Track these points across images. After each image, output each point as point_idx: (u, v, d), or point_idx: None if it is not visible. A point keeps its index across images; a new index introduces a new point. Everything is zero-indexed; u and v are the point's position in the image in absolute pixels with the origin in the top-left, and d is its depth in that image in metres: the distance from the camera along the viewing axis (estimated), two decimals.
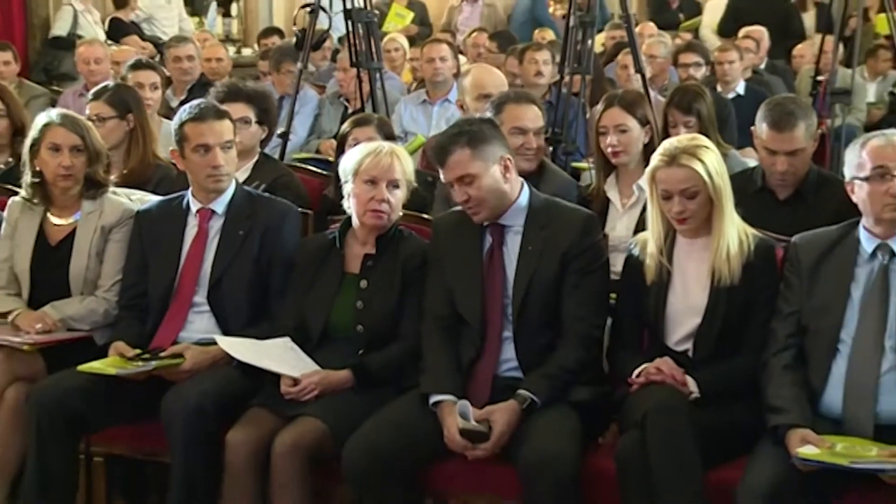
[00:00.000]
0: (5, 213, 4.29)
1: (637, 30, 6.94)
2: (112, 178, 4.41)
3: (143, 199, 4.34)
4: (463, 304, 3.72)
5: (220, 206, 4.08)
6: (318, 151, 6.93)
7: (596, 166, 4.61)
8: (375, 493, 3.50)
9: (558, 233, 3.68)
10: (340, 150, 4.60)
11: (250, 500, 3.65)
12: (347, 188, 3.90)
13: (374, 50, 6.29)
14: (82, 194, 4.21)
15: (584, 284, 3.65)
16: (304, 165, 5.69)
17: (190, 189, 4.12)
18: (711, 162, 3.51)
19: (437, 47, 7.10)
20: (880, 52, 8.72)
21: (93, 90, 5.12)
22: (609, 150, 4.47)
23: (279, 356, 3.81)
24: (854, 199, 3.44)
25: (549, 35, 9.33)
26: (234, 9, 11.57)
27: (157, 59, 8.13)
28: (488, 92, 5.12)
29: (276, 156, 5.72)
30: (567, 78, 5.88)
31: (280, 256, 4.04)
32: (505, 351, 3.68)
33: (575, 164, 5.77)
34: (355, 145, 4.17)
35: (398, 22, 10.88)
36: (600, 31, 8.45)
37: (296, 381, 3.71)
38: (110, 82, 5.33)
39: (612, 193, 4.51)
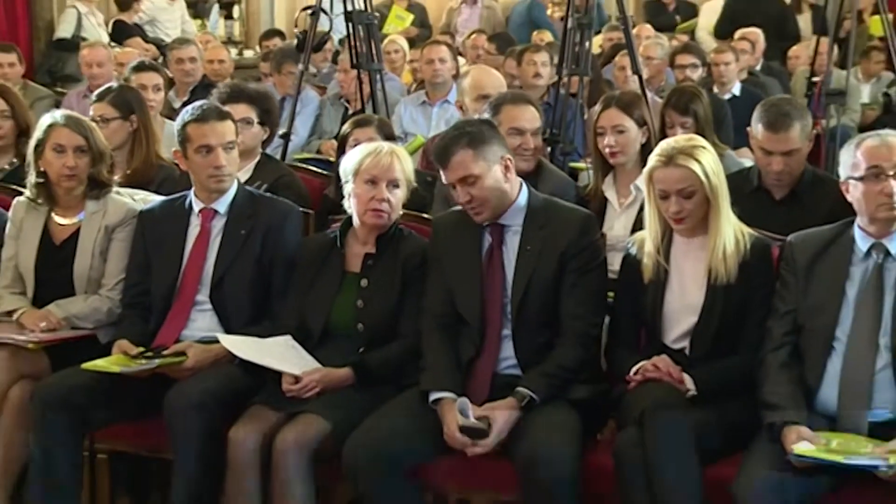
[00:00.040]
0: (10, 213, 4.28)
1: (634, 32, 6.92)
2: (115, 178, 4.41)
3: (147, 199, 4.34)
4: (462, 303, 3.72)
5: (222, 205, 4.08)
6: (319, 152, 6.92)
7: (594, 166, 4.62)
8: (376, 489, 3.50)
9: (557, 232, 3.68)
10: (341, 151, 4.60)
11: (252, 497, 3.65)
12: (348, 188, 3.89)
13: (374, 51, 6.29)
14: (86, 194, 4.21)
15: (582, 283, 3.65)
16: (305, 166, 5.68)
17: (192, 189, 4.12)
18: (708, 162, 3.51)
19: (437, 49, 7.11)
20: (873, 54, 8.71)
21: (96, 92, 5.12)
22: (607, 150, 4.47)
23: (281, 354, 3.81)
24: (849, 198, 3.44)
25: (547, 37, 9.34)
26: (236, 11, 11.57)
27: (160, 60, 8.14)
28: (487, 93, 5.12)
29: (278, 156, 5.71)
30: (565, 79, 5.88)
31: (281, 256, 4.04)
32: (504, 349, 3.68)
33: (573, 165, 5.77)
34: (356, 146, 4.16)
35: (398, 24, 10.88)
36: (598, 32, 8.44)
37: (297, 379, 3.71)
38: (114, 84, 5.33)
39: (610, 193, 4.52)
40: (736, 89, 7.49)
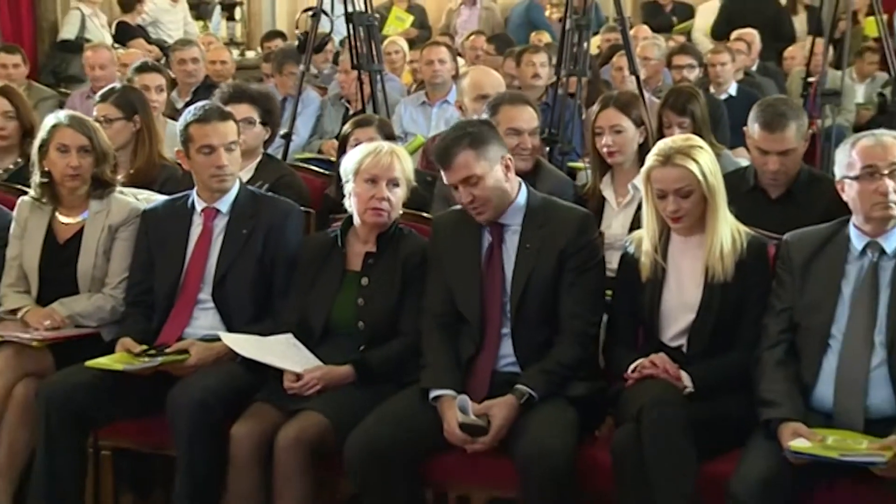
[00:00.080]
0: (15, 213, 4.28)
1: (631, 33, 6.93)
2: (119, 177, 4.41)
3: (150, 199, 4.34)
4: (462, 302, 3.71)
5: (224, 205, 4.08)
6: (320, 151, 6.92)
7: (592, 166, 4.62)
8: (376, 485, 3.50)
9: (555, 231, 3.67)
10: (342, 151, 4.60)
11: (254, 493, 3.65)
12: (348, 187, 3.89)
13: (374, 52, 6.29)
14: (90, 194, 4.21)
15: (581, 282, 3.65)
16: (306, 165, 5.68)
17: (195, 188, 4.12)
18: (705, 162, 3.51)
19: (436, 50, 7.10)
20: (866, 55, 8.71)
21: (100, 92, 5.11)
22: (604, 150, 4.47)
23: (282, 352, 3.81)
24: (844, 197, 3.44)
25: (546, 38, 9.34)
26: (237, 12, 11.55)
27: (163, 61, 8.14)
28: (486, 93, 5.11)
29: (279, 156, 5.71)
30: (564, 80, 5.88)
31: (283, 254, 4.03)
32: (503, 347, 3.68)
33: (571, 164, 5.77)
34: (357, 145, 4.16)
35: (398, 25, 10.87)
36: (596, 33, 8.44)
37: (298, 377, 3.71)
38: (117, 84, 5.32)
39: (608, 192, 4.51)
40: (732, 89, 7.48)
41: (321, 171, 5.40)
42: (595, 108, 4.60)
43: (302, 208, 4.26)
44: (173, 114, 6.11)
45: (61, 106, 6.99)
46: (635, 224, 3.98)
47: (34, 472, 3.82)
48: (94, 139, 4.18)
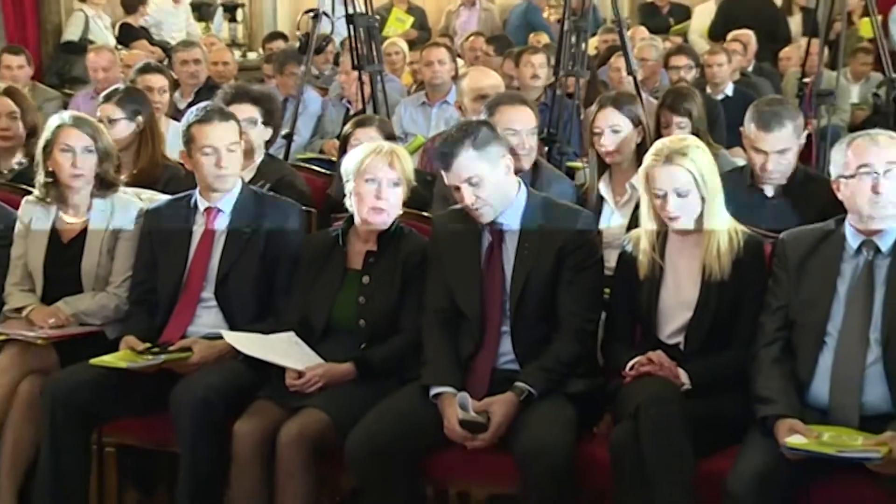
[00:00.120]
0: (19, 212, 4.28)
1: (629, 34, 6.94)
2: (122, 177, 4.40)
3: (153, 199, 4.34)
4: (462, 300, 3.71)
5: (226, 204, 4.08)
6: (321, 151, 6.92)
7: (590, 165, 4.61)
8: (377, 481, 3.49)
9: (554, 230, 3.67)
10: (343, 151, 4.59)
11: (256, 489, 3.65)
12: (349, 187, 3.89)
13: (375, 53, 6.28)
14: (93, 193, 4.20)
15: (579, 280, 3.65)
16: (307, 165, 5.67)
17: (197, 188, 4.12)
18: (703, 161, 3.51)
19: (436, 51, 7.09)
20: (859, 55, 8.71)
21: (103, 93, 5.10)
22: (603, 149, 4.46)
23: (284, 350, 3.80)
24: (840, 196, 3.43)
25: (544, 39, 9.34)
26: (239, 14, 11.55)
27: (166, 62, 8.12)
28: (485, 93, 5.10)
29: (281, 156, 5.71)
30: (562, 80, 5.88)
31: (285, 253, 4.03)
32: (503, 345, 3.67)
33: (570, 164, 5.77)
34: (357, 145, 4.16)
35: (398, 26, 10.87)
36: (593, 34, 8.43)
37: (300, 374, 3.71)
38: (120, 85, 5.32)
39: (606, 192, 4.51)
40: (728, 90, 7.48)
41: (322, 170, 5.39)
42: (593, 108, 4.60)
43: (303, 208, 4.26)
44: (176, 114, 6.11)
45: (65, 106, 6.99)
46: (633, 223, 3.97)
47: (39, 468, 3.82)
48: (97, 139, 4.18)
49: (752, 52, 8.88)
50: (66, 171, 4.14)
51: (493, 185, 3.65)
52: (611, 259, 3.83)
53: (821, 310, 3.40)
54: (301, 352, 3.81)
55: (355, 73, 6.47)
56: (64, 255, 4.18)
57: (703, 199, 3.51)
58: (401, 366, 3.79)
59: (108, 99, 4.95)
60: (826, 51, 7.09)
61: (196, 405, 3.67)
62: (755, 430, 3.32)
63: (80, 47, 9.15)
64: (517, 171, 3.90)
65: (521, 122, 4.46)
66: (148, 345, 3.90)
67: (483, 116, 4.41)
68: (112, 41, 9.52)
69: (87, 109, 5.57)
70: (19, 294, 4.18)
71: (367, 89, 6.31)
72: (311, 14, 6.40)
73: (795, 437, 3.17)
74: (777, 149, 4.17)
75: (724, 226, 3.53)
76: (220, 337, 3.88)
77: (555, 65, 6.18)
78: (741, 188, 4.24)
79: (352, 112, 6.91)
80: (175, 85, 7.01)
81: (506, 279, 3.68)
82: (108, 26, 9.97)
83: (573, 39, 5.83)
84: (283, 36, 10.13)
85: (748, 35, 8.89)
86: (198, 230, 4.09)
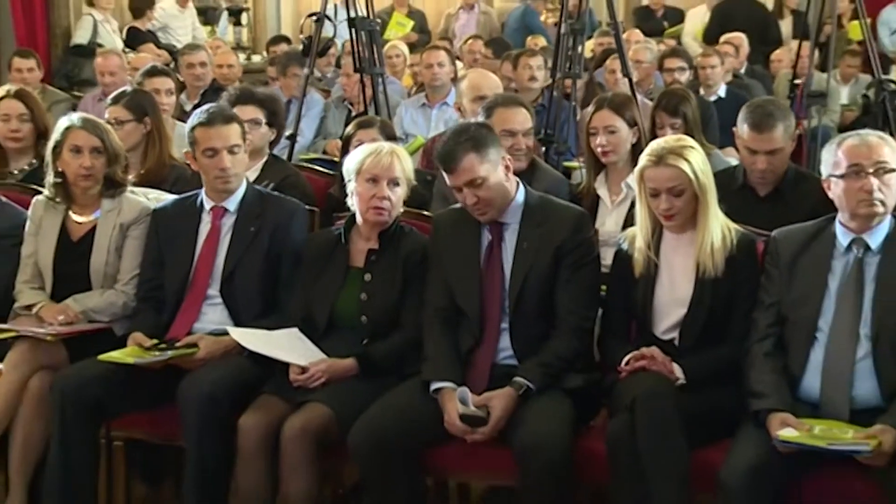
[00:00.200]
0: (30, 212, 4.27)
1: (624, 36, 6.92)
2: (130, 177, 4.40)
3: (160, 198, 4.33)
4: (462, 297, 3.71)
5: (232, 204, 4.07)
6: (324, 152, 6.92)
7: (586, 165, 4.60)
8: (380, 473, 3.49)
9: (552, 229, 3.67)
10: (345, 151, 4.59)
11: (261, 482, 3.64)
12: (351, 187, 3.88)
13: (376, 56, 6.28)
14: (102, 193, 4.20)
15: (577, 278, 3.64)
16: (310, 165, 5.66)
17: (203, 188, 4.11)
18: (697, 161, 3.51)
19: (436, 54, 7.09)
20: (846, 58, 8.71)
21: (111, 95, 5.10)
22: (599, 149, 4.46)
23: (288, 346, 3.80)
24: (830, 195, 3.43)
25: (541, 41, 9.33)
26: (244, 18, 11.55)
27: (172, 65, 8.12)
28: (484, 94, 5.10)
29: (285, 156, 5.70)
30: (559, 82, 5.87)
31: (289, 251, 4.03)
32: (502, 341, 3.67)
33: (566, 164, 5.76)
34: (359, 146, 4.15)
35: (399, 30, 10.86)
36: (590, 37, 8.43)
37: (304, 370, 3.71)
38: (128, 88, 5.32)
39: (602, 191, 4.50)
40: (721, 91, 7.47)
41: (325, 170, 5.39)
42: (589, 109, 4.59)
43: (307, 207, 4.26)
44: (182, 116, 6.10)
45: (74, 108, 6.98)
46: (629, 221, 3.97)
47: (48, 463, 3.81)
48: (106, 140, 4.17)
49: (744, 55, 8.87)
50: (75, 171, 4.14)
51: (493, 186, 3.64)
52: (607, 257, 3.82)
53: (812, 306, 3.40)
54: (304, 348, 3.81)
55: (357, 76, 6.45)
56: (73, 253, 4.17)
57: (697, 198, 3.50)
58: (402, 361, 3.78)
59: (115, 101, 4.95)
60: (816, 53, 7.10)
61: (202, 400, 3.67)
62: (748, 423, 3.32)
63: (89, 51, 9.15)
64: (514, 171, 3.89)
65: (518, 124, 4.46)
66: (155, 341, 3.89)
67: (480, 118, 4.41)
68: (120, 45, 9.51)
69: (95, 111, 5.56)
70: (29, 292, 4.17)
71: (369, 91, 6.30)
72: (314, 18, 6.38)
73: (787, 431, 3.17)
74: (769, 149, 4.17)
75: (717, 224, 3.53)
76: (226, 333, 3.87)
77: (552, 67, 6.16)
78: (734, 187, 4.24)
79: (353, 113, 6.90)
80: (181, 87, 7.01)
81: (505, 277, 3.68)
82: (116, 30, 9.97)
83: (570, 42, 5.81)
84: (286, 39, 10.13)
85: (740, 38, 8.88)
86: (204, 229, 4.08)
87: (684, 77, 7.45)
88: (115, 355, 3.81)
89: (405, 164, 3.88)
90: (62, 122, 4.24)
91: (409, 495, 3.53)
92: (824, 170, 3.44)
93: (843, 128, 7.48)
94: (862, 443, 3.11)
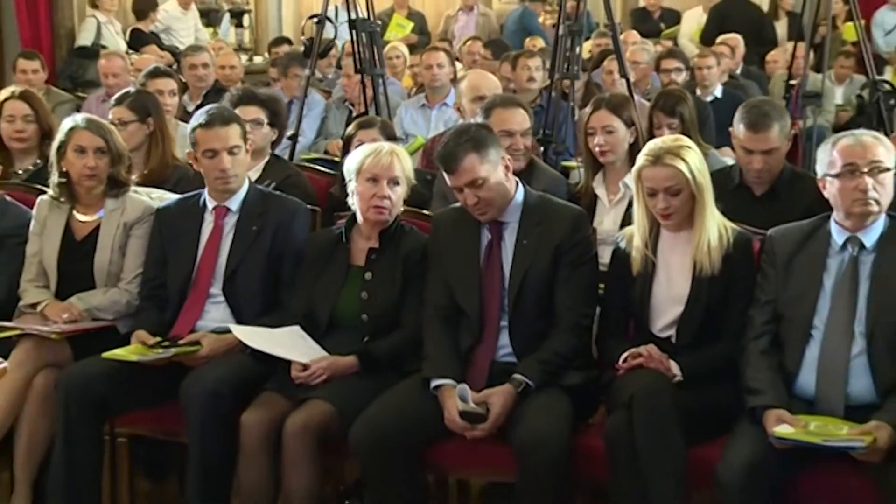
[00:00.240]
0: (34, 211, 4.27)
1: (621, 38, 6.91)
2: (133, 177, 4.40)
3: (163, 198, 4.33)
4: (461, 296, 3.70)
5: (234, 203, 4.07)
6: (325, 152, 6.91)
7: (585, 165, 4.60)
8: (380, 470, 3.49)
9: (551, 228, 3.66)
10: (346, 151, 4.59)
11: (263, 478, 3.65)
12: (351, 186, 3.88)
13: (376, 57, 6.27)
14: (106, 193, 4.20)
15: (575, 277, 3.64)
16: (312, 165, 5.66)
17: (206, 188, 4.11)
18: (694, 161, 3.50)
19: (435, 55, 7.09)
20: (841, 59, 8.70)
21: (115, 96, 5.10)
22: (597, 149, 4.46)
23: (290, 343, 3.80)
24: (825, 194, 3.43)
25: (540, 43, 9.31)
26: (246, 20, 11.54)
27: (175, 66, 8.11)
28: (483, 94, 5.10)
29: (286, 156, 5.70)
30: (557, 83, 5.86)
31: (290, 250, 4.02)
32: (501, 338, 3.67)
33: (565, 164, 5.76)
34: (360, 146, 4.15)
35: (399, 31, 10.85)
36: (587, 39, 8.42)
37: (305, 367, 3.71)
38: (131, 89, 5.31)
39: (600, 190, 4.50)
40: (717, 92, 7.46)
41: (326, 170, 5.38)
42: (587, 109, 4.59)
43: (308, 206, 4.25)
44: (185, 116, 6.10)
45: (78, 109, 6.98)
46: (626, 220, 3.96)
47: (53, 460, 3.81)
48: (109, 141, 4.17)
49: (739, 56, 8.87)
50: (79, 171, 4.13)
51: (494, 186, 3.64)
52: (605, 256, 3.81)
53: (807, 304, 3.39)
54: (306, 345, 3.81)
55: (357, 77, 6.45)
56: (77, 252, 4.17)
57: (693, 197, 3.50)
58: (402, 359, 3.78)
59: (119, 102, 4.94)
60: (811, 54, 7.09)
61: (205, 397, 3.67)
62: (744, 419, 3.32)
63: (93, 52, 9.14)
64: (513, 171, 3.88)
65: (516, 124, 4.45)
66: (158, 339, 3.89)
67: (479, 118, 4.41)
68: (123, 46, 9.51)
69: (99, 112, 5.56)
70: (34, 290, 4.17)
71: (369, 92, 6.29)
72: (315, 19, 6.38)
73: (783, 427, 3.17)
74: (765, 148, 4.17)
75: (714, 223, 3.52)
76: (229, 331, 3.88)
77: (550, 68, 6.16)
78: (730, 187, 4.24)
79: (354, 114, 6.89)
80: (184, 88, 7.00)
81: (504, 275, 3.67)
82: (120, 32, 9.95)
83: (568, 43, 5.81)
84: (287, 40, 10.12)
85: (736, 39, 8.87)
86: (207, 228, 4.08)
87: (681, 78, 7.43)
88: (119, 353, 3.81)
89: (405, 164, 3.87)
90: (66, 123, 4.23)
91: (409, 491, 3.52)
92: (819, 169, 3.44)
93: (838, 128, 7.48)
94: (857, 439, 3.11)
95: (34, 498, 3.89)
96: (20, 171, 4.93)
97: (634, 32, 9.59)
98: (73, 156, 4.14)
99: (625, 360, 3.48)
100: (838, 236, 3.42)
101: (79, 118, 4.25)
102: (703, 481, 3.24)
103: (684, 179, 3.47)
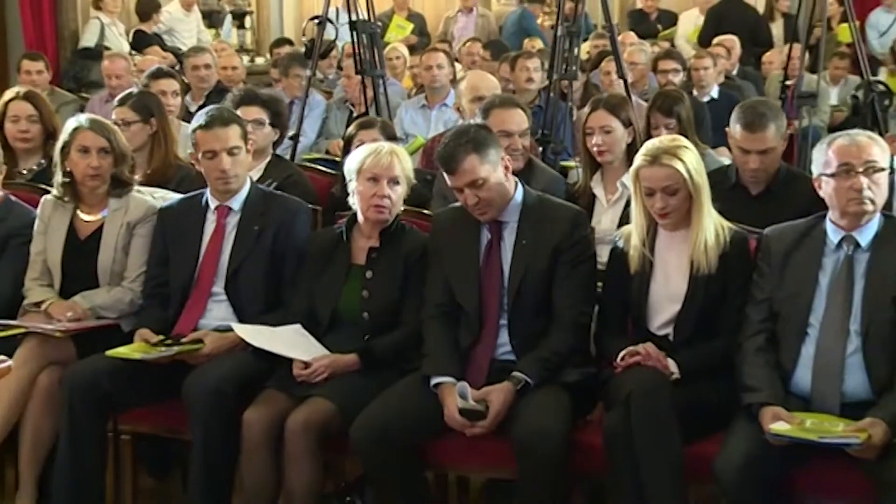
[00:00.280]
0: (38, 211, 4.27)
1: (619, 39, 6.90)
2: (136, 177, 4.39)
3: (166, 197, 4.33)
4: (461, 294, 3.70)
5: (236, 203, 4.07)
6: (326, 152, 6.91)
7: (583, 165, 4.60)
8: (381, 466, 3.49)
9: (550, 228, 3.66)
10: (347, 151, 4.59)
11: (265, 475, 3.64)
12: (352, 186, 3.88)
13: (377, 58, 6.27)
14: (109, 192, 4.20)
15: (574, 275, 3.64)
16: (313, 165, 5.66)
17: (208, 187, 4.10)
18: (691, 161, 3.50)
19: (435, 56, 7.09)
20: (835, 59, 8.70)
21: (118, 97, 5.09)
22: (595, 149, 4.45)
23: (291, 341, 3.80)
24: (821, 194, 3.43)
25: (538, 44, 9.31)
26: (247, 21, 11.53)
27: (177, 67, 8.11)
28: (482, 95, 5.11)
29: (288, 156, 5.69)
30: (555, 83, 5.86)
31: (292, 249, 4.02)
32: (500, 336, 3.66)
33: (563, 163, 5.76)
34: (360, 146, 4.14)
35: (399, 32, 10.85)
36: (585, 40, 8.42)
37: (307, 365, 3.70)
38: (134, 89, 5.31)
39: (598, 190, 4.50)
40: (714, 92, 7.46)
41: (327, 170, 5.38)
42: (585, 109, 4.58)
43: (309, 206, 4.25)
44: (187, 117, 6.08)
45: (82, 110, 6.97)
46: (624, 220, 3.96)
47: (57, 457, 3.80)
48: (113, 141, 4.16)
49: (736, 56, 8.86)
50: (83, 171, 4.13)
51: (494, 187, 3.64)
52: (603, 254, 3.81)
53: (803, 302, 3.39)
54: (307, 343, 3.81)
55: (358, 77, 6.45)
56: (81, 251, 4.17)
57: (691, 196, 3.50)
58: (403, 357, 3.78)
59: (122, 102, 4.94)
60: (807, 55, 7.09)
61: (208, 395, 3.66)
62: (741, 416, 3.32)
63: (97, 53, 9.14)
64: (511, 171, 3.88)
65: (514, 125, 4.45)
66: (161, 337, 3.89)
67: (479, 118, 4.40)
68: (126, 47, 9.51)
69: (102, 113, 5.54)
70: (38, 289, 4.17)
71: (370, 92, 6.29)
72: (316, 21, 6.37)
73: (779, 424, 3.17)
74: (761, 148, 4.16)
75: (710, 222, 3.52)
76: (231, 329, 3.87)
77: (548, 69, 6.15)
78: (727, 186, 4.23)
79: (355, 114, 6.89)
80: (186, 89, 7.00)
81: (504, 274, 3.67)
82: (123, 33, 9.95)
83: (566, 44, 5.80)
84: (289, 42, 10.12)
85: (732, 40, 8.88)
86: (209, 227, 4.08)
87: (678, 78, 7.43)
88: (123, 351, 3.81)
89: (405, 164, 3.87)
90: (70, 123, 4.23)
91: (409, 488, 3.53)
92: (815, 169, 3.44)
93: (833, 128, 7.47)
94: (852, 436, 3.10)
95: (39, 495, 3.89)
96: (24, 171, 4.93)
97: (632, 34, 9.60)
98: (76, 156, 4.14)
99: (622, 358, 3.48)
100: (834, 235, 3.41)
101: (82, 118, 4.25)
102: (701, 477, 3.24)
103: (681, 179, 3.47)
